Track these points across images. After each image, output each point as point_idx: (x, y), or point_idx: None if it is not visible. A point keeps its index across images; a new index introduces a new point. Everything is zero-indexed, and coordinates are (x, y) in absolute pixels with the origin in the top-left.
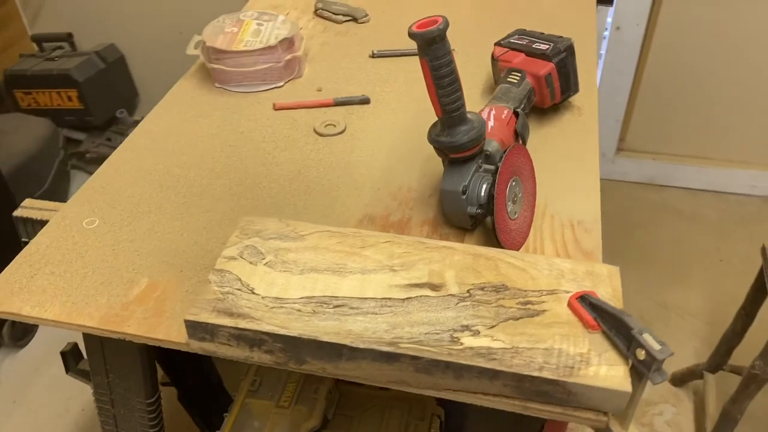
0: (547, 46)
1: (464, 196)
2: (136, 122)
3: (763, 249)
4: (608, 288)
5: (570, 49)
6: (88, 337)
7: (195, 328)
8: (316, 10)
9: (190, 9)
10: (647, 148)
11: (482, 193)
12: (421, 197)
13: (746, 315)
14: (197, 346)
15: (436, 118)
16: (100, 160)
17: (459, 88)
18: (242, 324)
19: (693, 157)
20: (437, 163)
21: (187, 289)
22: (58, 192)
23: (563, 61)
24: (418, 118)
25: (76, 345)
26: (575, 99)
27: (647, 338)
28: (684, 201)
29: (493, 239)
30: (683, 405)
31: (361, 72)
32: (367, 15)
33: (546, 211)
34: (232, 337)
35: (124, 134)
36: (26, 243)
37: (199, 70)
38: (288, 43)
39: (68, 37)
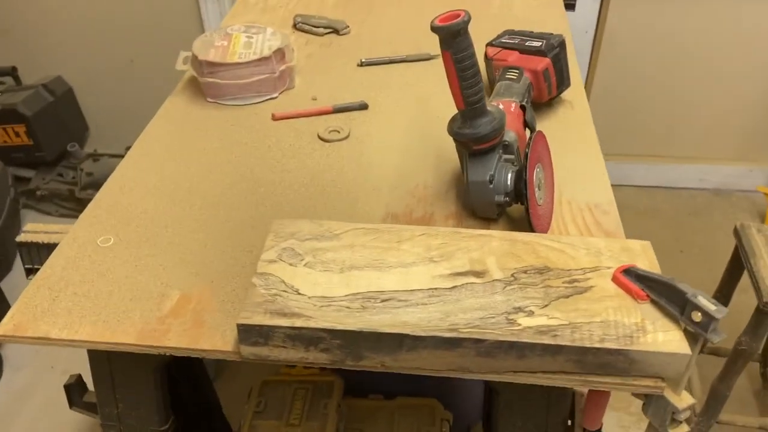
0: (541, 43)
1: (491, 186)
2: (90, 155)
3: (736, 229)
4: (645, 261)
5: (562, 45)
6: (96, 366)
7: (248, 333)
8: (295, 24)
9: (141, 36)
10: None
11: (508, 182)
12: (438, 193)
13: (723, 296)
14: (249, 352)
15: (439, 117)
16: (51, 197)
17: (480, 80)
18: (299, 323)
19: (644, 155)
20: (448, 160)
21: (222, 298)
22: (10, 232)
23: (557, 56)
24: (419, 120)
25: (80, 377)
26: (566, 95)
27: (702, 300)
28: (639, 198)
29: (519, 227)
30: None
31: (353, 80)
32: (347, 27)
33: (562, 198)
34: (287, 338)
35: (76, 168)
36: (30, 269)
37: (188, 86)
38: (281, 53)
39: (12, 71)
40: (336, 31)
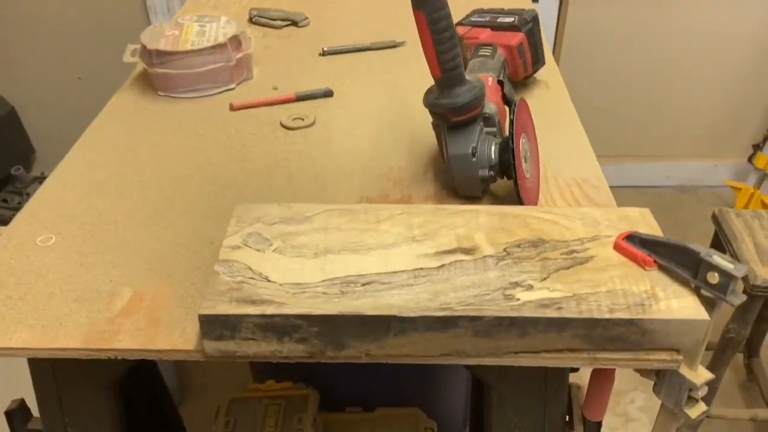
0: (513, 18)
1: (474, 159)
2: (36, 179)
3: (714, 215)
4: (646, 228)
5: (535, 20)
6: (40, 384)
7: (212, 325)
8: (251, 18)
9: (88, 52)
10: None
11: (492, 154)
12: (415, 175)
13: None
14: (213, 348)
15: (410, 102)
16: None
17: (458, 44)
18: (270, 310)
19: (609, 156)
20: (423, 143)
21: (181, 293)
22: None
23: (531, 30)
24: (388, 105)
25: (23, 402)
26: (540, 74)
27: (717, 259)
28: None
29: (506, 204)
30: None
31: (315, 69)
32: (306, 18)
33: (548, 174)
34: (257, 329)
35: (22, 193)
36: None
37: (137, 81)
38: (237, 41)
39: None
40: (295, 23)
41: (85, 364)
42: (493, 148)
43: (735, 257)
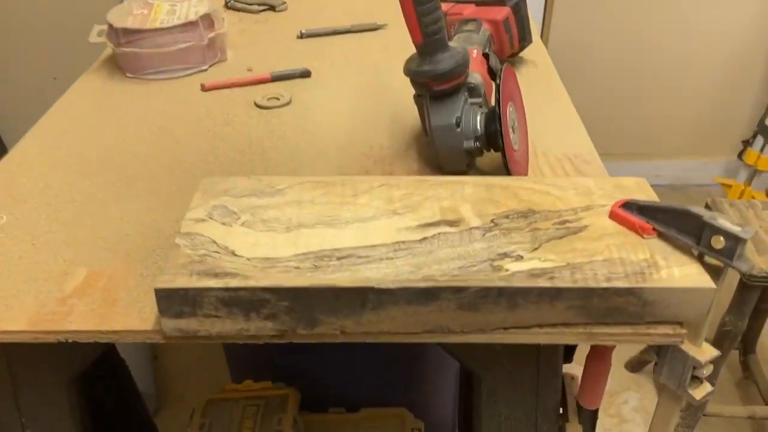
0: None
1: (459, 129)
2: None
3: (707, 205)
4: (643, 197)
5: None
6: None
7: (171, 300)
8: (226, 3)
9: (64, 52)
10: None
11: (478, 125)
12: (397, 153)
13: None
14: (172, 327)
15: (392, 85)
16: None
17: (440, 6)
18: (234, 283)
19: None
20: (405, 122)
21: (141, 272)
22: None
23: (518, 5)
24: (369, 86)
25: None
26: (527, 54)
27: (723, 222)
28: None
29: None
30: (646, 389)
31: (293, 52)
32: (284, 2)
33: (537, 150)
34: (221, 304)
35: None
36: None
37: (105, 64)
38: (209, 19)
39: None
40: (272, 8)
41: (42, 355)
42: (478, 117)
43: None
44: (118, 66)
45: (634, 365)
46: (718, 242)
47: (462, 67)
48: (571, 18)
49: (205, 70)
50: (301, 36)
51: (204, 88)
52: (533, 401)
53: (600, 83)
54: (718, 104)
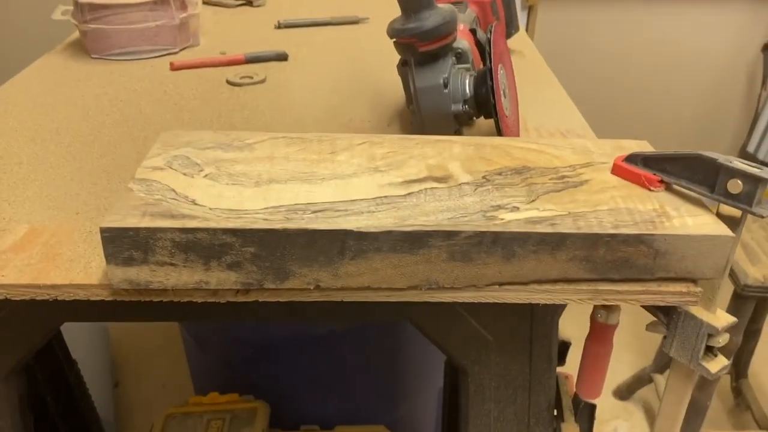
0: None
1: (446, 91)
2: None
3: None
4: None
5: None
6: None
7: (118, 244)
8: None
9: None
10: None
11: (467, 87)
12: (379, 126)
13: None
14: (120, 278)
15: (373, 72)
16: None
17: None
18: (193, 224)
19: None
20: (389, 98)
21: (90, 230)
22: None
23: None
24: (350, 68)
25: None
26: (514, 44)
27: (739, 164)
28: None
29: None
30: (635, 417)
31: (270, 40)
32: None
33: (528, 126)
34: (177, 249)
35: None
36: None
37: (68, 47)
38: (181, 1)
39: None
40: (249, 3)
41: None
42: (467, 80)
43: None
44: (83, 47)
45: (623, 392)
46: (736, 186)
47: (449, 24)
48: (552, 37)
49: (176, 53)
50: (279, 26)
51: (173, 67)
52: (525, 399)
53: (578, 104)
54: (698, 131)
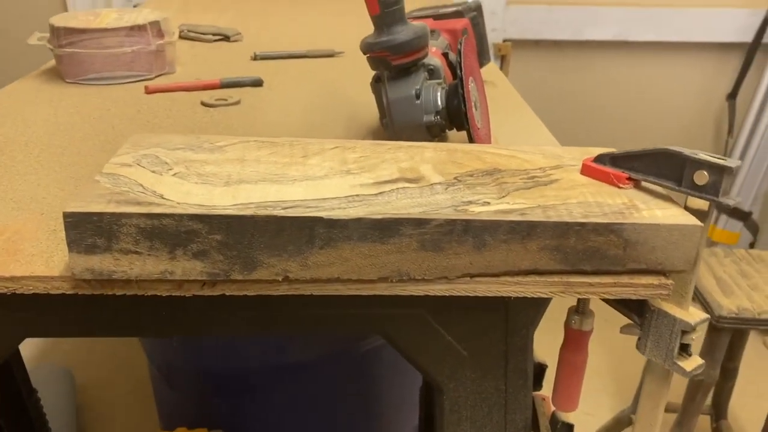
0: (456, 7)
1: (418, 102)
2: None
3: None
4: None
5: (479, 10)
6: None
7: (82, 230)
8: (180, 33)
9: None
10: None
11: (438, 100)
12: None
13: None
14: (83, 267)
15: (349, 99)
16: None
17: None
18: (159, 210)
19: None
20: (363, 120)
21: (54, 228)
22: None
23: (476, 18)
24: (325, 95)
25: None
26: (485, 74)
27: (704, 156)
28: None
29: None
30: None
31: (246, 70)
32: (239, 33)
33: (499, 142)
34: (142, 237)
35: None
36: None
37: (43, 73)
38: (157, 27)
39: None
40: (226, 38)
41: None
42: (439, 93)
43: (696, 290)
44: (58, 73)
45: None
46: (702, 177)
47: (421, 39)
48: (524, 85)
49: (151, 79)
50: (255, 58)
51: (148, 90)
52: (501, 418)
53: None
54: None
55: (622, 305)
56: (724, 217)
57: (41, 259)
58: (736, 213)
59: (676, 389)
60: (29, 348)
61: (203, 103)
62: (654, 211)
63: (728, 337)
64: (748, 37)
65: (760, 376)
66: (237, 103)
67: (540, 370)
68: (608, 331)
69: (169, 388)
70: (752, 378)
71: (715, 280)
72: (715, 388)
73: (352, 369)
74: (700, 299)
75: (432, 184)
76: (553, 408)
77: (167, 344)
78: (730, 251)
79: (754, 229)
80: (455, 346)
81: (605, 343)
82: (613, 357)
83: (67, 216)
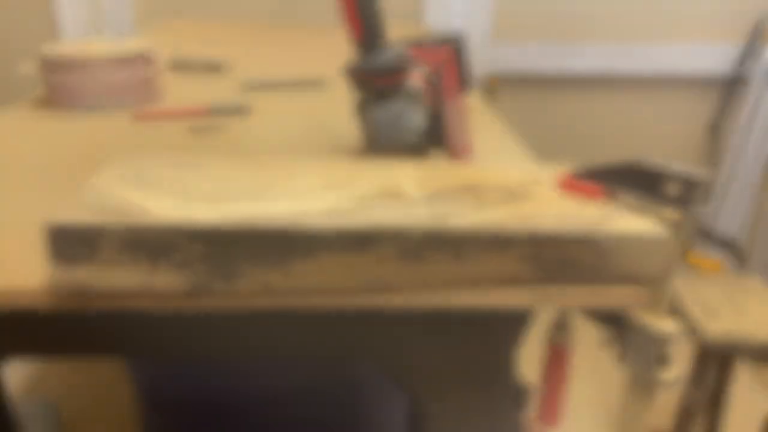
0: (438, 37)
1: (401, 121)
2: None
3: None
4: None
5: (461, 40)
6: None
7: (64, 241)
8: (169, 62)
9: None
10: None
11: (420, 121)
12: None
13: None
14: (65, 279)
15: (336, 131)
16: None
17: (379, 2)
18: (141, 221)
19: None
20: (348, 144)
21: (33, 240)
22: None
23: (458, 47)
24: (312, 124)
25: None
26: (469, 102)
27: (676, 168)
28: None
29: None
30: None
31: (235, 99)
32: (228, 63)
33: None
34: (124, 247)
35: None
36: None
37: (31, 103)
38: (146, 58)
39: None
40: (215, 68)
41: None
42: (421, 114)
43: (681, 315)
44: (47, 102)
45: None
46: (675, 188)
47: (404, 62)
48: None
49: (140, 107)
50: (244, 87)
51: (137, 117)
52: None
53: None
54: None
55: (602, 319)
56: (710, 245)
57: (21, 273)
58: (719, 241)
59: (665, 414)
60: (11, 382)
61: (191, 130)
62: (627, 222)
63: (716, 363)
64: (727, 69)
65: (749, 403)
66: (225, 128)
67: (524, 393)
68: (601, 362)
69: (158, 416)
70: (742, 404)
71: (700, 305)
72: (704, 414)
73: (337, 397)
74: (687, 323)
75: (412, 199)
76: None
77: (155, 373)
78: (717, 278)
79: (740, 257)
80: (440, 367)
81: (597, 374)
82: (604, 386)
83: (51, 229)
